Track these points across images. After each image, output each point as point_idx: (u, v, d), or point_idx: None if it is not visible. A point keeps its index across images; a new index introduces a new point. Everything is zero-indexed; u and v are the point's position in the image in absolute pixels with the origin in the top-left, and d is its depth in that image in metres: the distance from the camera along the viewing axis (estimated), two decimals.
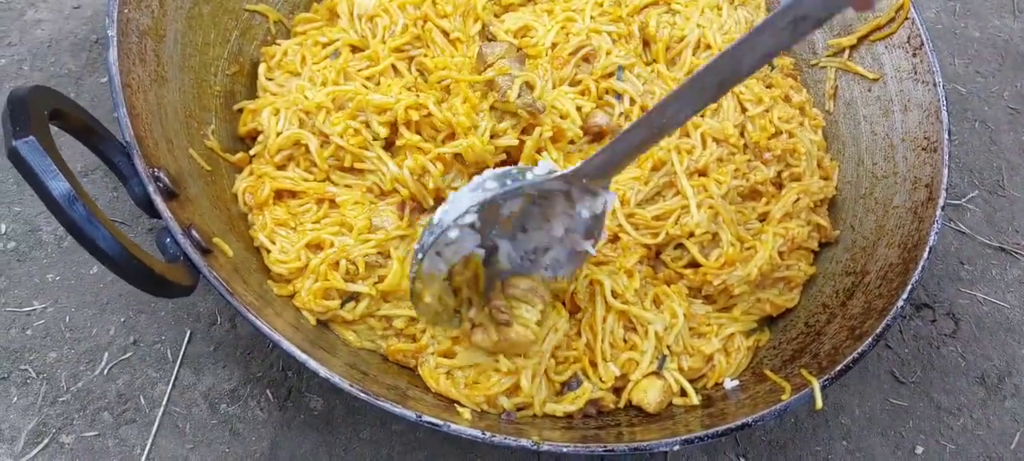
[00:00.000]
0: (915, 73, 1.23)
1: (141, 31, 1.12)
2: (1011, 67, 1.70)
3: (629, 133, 0.85)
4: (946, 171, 1.11)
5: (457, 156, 1.14)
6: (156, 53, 1.15)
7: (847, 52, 1.33)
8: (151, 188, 0.99)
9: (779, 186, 1.24)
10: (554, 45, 1.26)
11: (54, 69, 1.44)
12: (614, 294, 1.10)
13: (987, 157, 1.56)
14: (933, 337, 1.36)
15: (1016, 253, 1.46)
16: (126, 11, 1.10)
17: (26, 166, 0.81)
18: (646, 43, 1.30)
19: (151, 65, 1.13)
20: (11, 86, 1.41)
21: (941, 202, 1.10)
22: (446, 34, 1.28)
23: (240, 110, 1.28)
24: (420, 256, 0.96)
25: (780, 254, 1.17)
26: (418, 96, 1.15)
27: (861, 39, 1.31)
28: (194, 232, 1.00)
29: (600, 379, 1.09)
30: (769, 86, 1.30)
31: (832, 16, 0.70)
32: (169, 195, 1.02)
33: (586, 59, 1.25)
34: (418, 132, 1.16)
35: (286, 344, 0.95)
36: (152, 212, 1.00)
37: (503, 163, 1.17)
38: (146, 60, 1.13)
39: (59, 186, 0.81)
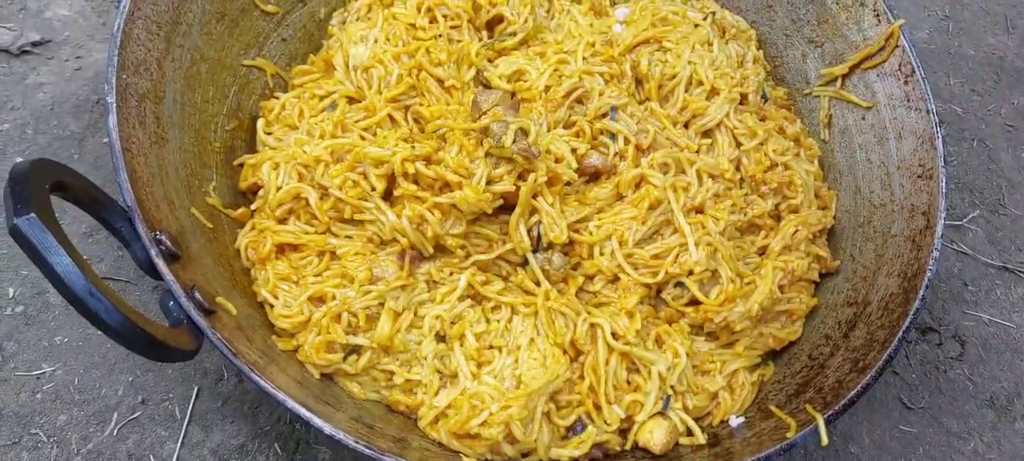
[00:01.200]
0: (908, 100, 1.23)
1: (140, 95, 1.14)
2: (1007, 84, 1.71)
3: None
4: (942, 199, 1.12)
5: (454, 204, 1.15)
6: (156, 115, 1.17)
7: (840, 81, 1.34)
8: (153, 252, 1.00)
9: (777, 218, 1.25)
10: (548, 88, 1.27)
11: (57, 132, 1.47)
12: (615, 336, 1.10)
13: (986, 176, 1.57)
14: (940, 361, 1.35)
15: (1020, 272, 1.46)
16: (124, 76, 1.11)
17: (28, 243, 0.82)
18: (639, 82, 1.31)
19: (151, 127, 1.15)
20: (15, 150, 1.43)
21: (939, 230, 1.10)
22: (441, 82, 1.30)
23: (240, 165, 1.30)
24: None
25: (780, 288, 1.17)
26: (413, 147, 1.16)
27: (853, 67, 1.32)
28: (197, 294, 1.01)
29: (605, 422, 1.09)
30: (763, 119, 1.31)
31: None
32: (171, 257, 1.03)
33: (579, 101, 1.26)
34: (416, 182, 1.17)
35: (290, 402, 0.96)
36: (155, 275, 1.01)
37: (500, 209, 1.18)
38: (146, 123, 1.14)
39: (61, 261, 0.82)
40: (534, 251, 1.17)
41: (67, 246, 0.84)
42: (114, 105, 1.08)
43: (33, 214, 0.82)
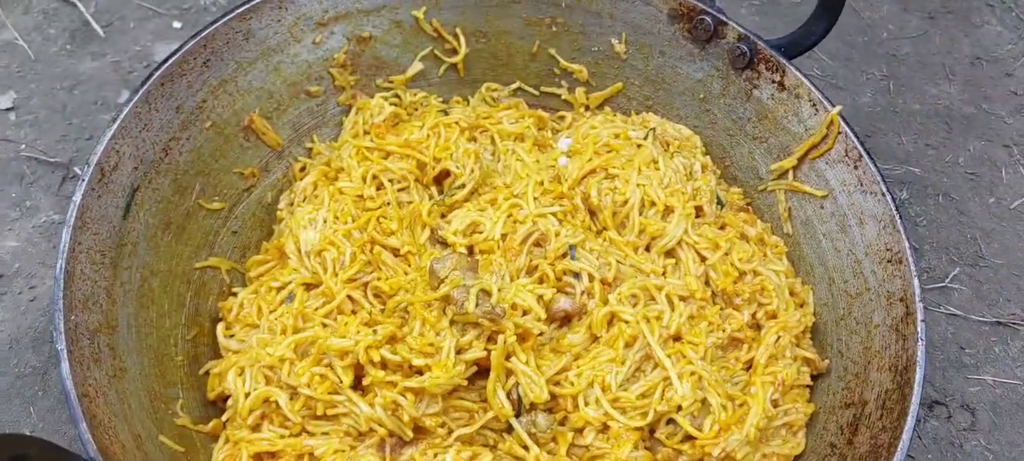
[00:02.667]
0: (861, 185, 1.22)
1: (92, 331, 1.11)
2: (959, 132, 1.71)
3: None
4: (916, 283, 1.09)
5: None
6: (111, 347, 1.14)
7: (791, 173, 1.33)
8: None
9: (757, 327, 1.22)
10: (504, 236, 1.26)
11: (18, 370, 1.43)
12: None
13: (959, 229, 1.55)
14: (953, 435, 1.31)
15: (1014, 324, 1.43)
16: (73, 317, 1.09)
17: None
18: (592, 213, 1.29)
19: (107, 362, 1.12)
20: None
21: (920, 316, 1.07)
22: (395, 251, 1.28)
23: (206, 373, 1.26)
24: None
25: (774, 402, 1.13)
26: (375, 332, 1.13)
27: (801, 159, 1.31)
28: None
29: None
30: (722, 226, 1.29)
31: None
32: None
33: (538, 244, 1.25)
34: (384, 366, 1.14)
35: None
36: None
37: (476, 375, 1.15)
38: (102, 359, 1.11)
39: None
40: (517, 415, 1.13)
41: None
42: (64, 351, 1.05)
43: None
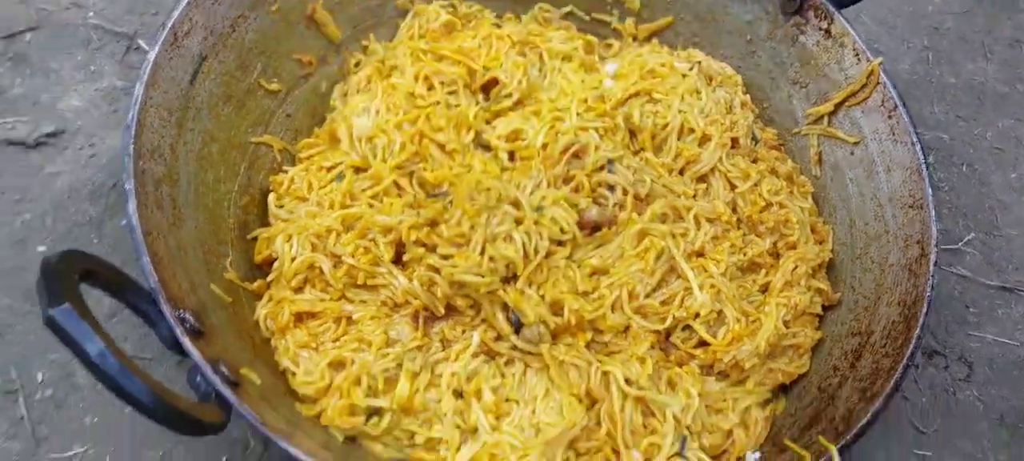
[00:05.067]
0: (893, 134, 1.28)
1: (156, 179, 1.19)
2: (990, 108, 1.76)
3: None
4: (934, 228, 1.15)
5: None
6: (172, 197, 1.21)
7: (826, 119, 1.39)
8: (179, 331, 1.04)
9: (776, 256, 1.28)
10: (545, 145, 1.31)
11: (76, 218, 1.51)
12: (628, 382, 1.13)
13: (978, 199, 1.61)
14: (948, 383, 1.38)
15: (1019, 291, 1.49)
16: (141, 163, 1.16)
17: (63, 332, 0.86)
18: (632, 133, 1.35)
19: (168, 210, 1.19)
20: (37, 239, 1.47)
21: (933, 258, 1.13)
22: (442, 146, 1.34)
23: (254, 239, 1.34)
24: None
25: (785, 323, 1.20)
26: (419, 214, 1.20)
27: (838, 106, 1.37)
28: (223, 367, 1.04)
29: None
30: (755, 160, 1.36)
31: None
32: (196, 334, 1.06)
33: (577, 155, 1.31)
34: (424, 245, 1.21)
35: None
36: (181, 351, 1.04)
37: (505, 280, 1.21)
38: (163, 206, 1.19)
39: (95, 347, 0.86)
40: (516, 332, 1.19)
41: (100, 332, 0.87)
42: (133, 191, 1.12)
43: (67, 304, 0.86)
